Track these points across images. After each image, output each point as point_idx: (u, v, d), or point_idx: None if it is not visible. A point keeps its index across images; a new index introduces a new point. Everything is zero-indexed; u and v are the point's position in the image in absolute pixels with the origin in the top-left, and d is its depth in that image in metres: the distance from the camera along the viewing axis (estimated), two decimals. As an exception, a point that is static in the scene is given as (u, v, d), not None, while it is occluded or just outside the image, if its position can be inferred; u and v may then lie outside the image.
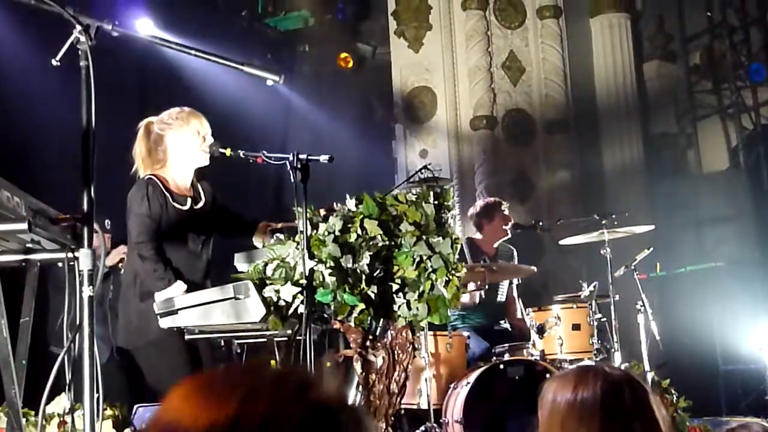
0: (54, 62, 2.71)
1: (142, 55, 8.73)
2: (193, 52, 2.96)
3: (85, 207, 2.64)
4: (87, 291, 2.59)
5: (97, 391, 2.71)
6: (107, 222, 6.68)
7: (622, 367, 6.57)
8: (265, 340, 4.80)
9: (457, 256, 4.67)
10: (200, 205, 4.82)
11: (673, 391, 7.14)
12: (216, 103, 8.88)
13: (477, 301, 6.97)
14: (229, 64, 2.96)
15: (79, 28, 2.69)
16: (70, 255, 2.82)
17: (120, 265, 6.52)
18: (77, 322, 2.64)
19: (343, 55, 11.32)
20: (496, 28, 10.77)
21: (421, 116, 10.80)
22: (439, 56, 10.77)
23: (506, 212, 7.46)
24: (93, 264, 2.59)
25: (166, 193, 4.64)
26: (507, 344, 6.78)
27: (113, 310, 6.24)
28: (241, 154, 4.66)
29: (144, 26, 9.42)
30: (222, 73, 8.80)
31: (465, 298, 6.90)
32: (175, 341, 4.41)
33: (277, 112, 10.81)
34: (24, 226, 2.47)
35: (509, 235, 7.45)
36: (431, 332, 6.55)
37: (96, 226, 2.79)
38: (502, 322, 7.36)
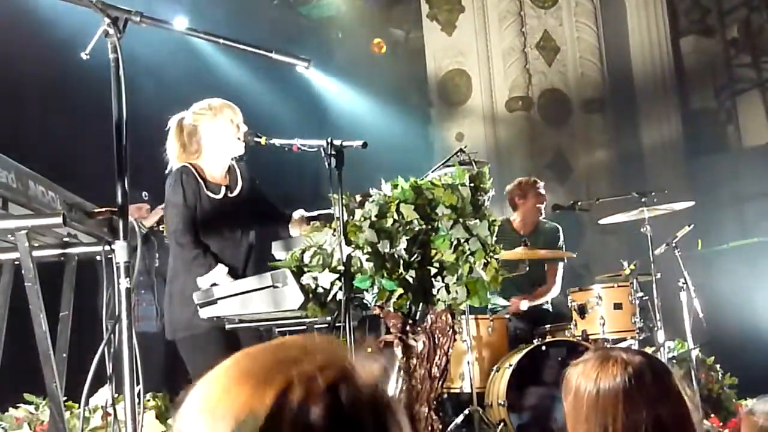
0: (83, 55, 2.71)
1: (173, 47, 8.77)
2: (221, 41, 2.95)
3: (120, 199, 2.64)
4: (124, 283, 2.59)
5: (138, 383, 2.72)
6: (144, 194, 6.74)
7: (666, 345, 6.52)
8: (305, 327, 4.81)
9: (495, 238, 4.64)
10: (236, 192, 4.81)
11: (719, 368, 7.07)
12: (250, 93, 8.92)
13: (525, 309, 6.96)
14: (258, 51, 2.95)
15: (107, 20, 2.69)
16: (107, 248, 2.83)
17: (160, 227, 6.57)
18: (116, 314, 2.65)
19: (376, 40, 11.30)
20: (530, 8, 10.70)
21: (456, 99, 10.76)
22: (472, 38, 10.73)
23: (541, 191, 7.38)
24: (129, 256, 2.60)
25: (200, 180, 4.65)
26: (548, 325, 6.74)
27: (161, 276, 6.30)
28: (276, 143, 4.65)
29: (180, 24, 9.47)
30: (256, 64, 8.82)
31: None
32: (218, 333, 4.43)
33: (312, 100, 10.82)
34: (59, 220, 2.49)
35: (542, 214, 7.38)
36: (472, 316, 6.53)
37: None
38: (542, 303, 7.30)
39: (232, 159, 4.86)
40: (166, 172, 4.79)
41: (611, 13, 11.13)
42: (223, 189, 4.75)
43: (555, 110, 10.59)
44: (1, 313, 2.90)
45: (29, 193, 2.49)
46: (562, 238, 7.37)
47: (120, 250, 2.63)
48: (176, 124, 4.80)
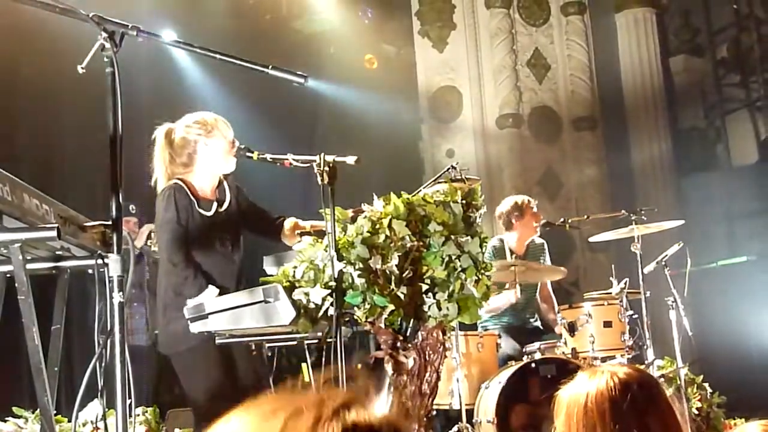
0: (80, 69, 2.71)
1: (157, 61, 8.79)
2: (217, 56, 2.96)
3: (114, 213, 2.64)
4: (117, 297, 2.59)
5: (129, 397, 2.71)
6: (131, 207, 6.72)
7: (655, 363, 6.53)
8: (295, 342, 4.80)
9: (487, 255, 4.65)
10: (225, 206, 4.79)
11: (707, 387, 7.08)
12: (241, 106, 8.92)
13: (513, 301, 6.89)
14: (254, 67, 2.95)
15: (104, 34, 2.69)
16: (99, 261, 2.82)
17: (149, 242, 6.55)
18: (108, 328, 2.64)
19: (368, 56, 11.32)
20: (521, 26, 10.76)
21: (446, 116, 10.80)
22: (463, 55, 10.78)
23: (536, 210, 7.41)
24: (123, 270, 2.60)
25: (192, 198, 4.63)
26: (538, 343, 6.74)
27: (151, 290, 6.28)
28: (268, 158, 4.64)
29: (168, 37, 9.46)
30: (248, 78, 8.81)
31: (501, 302, 6.86)
32: (212, 347, 4.41)
33: (304, 115, 10.82)
34: (53, 233, 2.48)
35: (539, 233, 7.40)
36: (462, 332, 6.53)
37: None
38: (532, 320, 7.31)
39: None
40: (152, 183, 4.75)
41: (602, 31, 11.21)
42: (214, 205, 4.73)
43: (545, 127, 10.64)
44: (-7, 325, 2.89)
45: (24, 206, 2.48)
46: (548, 255, 7.40)
47: (113, 264, 2.63)
48: (164, 135, 4.73)
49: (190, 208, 4.60)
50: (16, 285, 2.55)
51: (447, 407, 6.53)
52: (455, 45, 10.83)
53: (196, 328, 4.26)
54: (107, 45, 2.70)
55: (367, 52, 11.32)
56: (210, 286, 4.48)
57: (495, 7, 10.66)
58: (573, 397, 2.24)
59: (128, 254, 2.74)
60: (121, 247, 2.61)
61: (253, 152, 4.68)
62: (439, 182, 6.49)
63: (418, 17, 11.02)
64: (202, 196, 4.69)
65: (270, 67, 2.97)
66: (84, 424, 4.30)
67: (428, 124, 10.94)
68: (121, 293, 2.61)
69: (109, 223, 2.66)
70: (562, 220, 7.51)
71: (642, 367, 6.44)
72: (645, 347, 6.48)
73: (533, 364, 6.27)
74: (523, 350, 6.74)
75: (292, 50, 11.01)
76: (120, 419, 2.61)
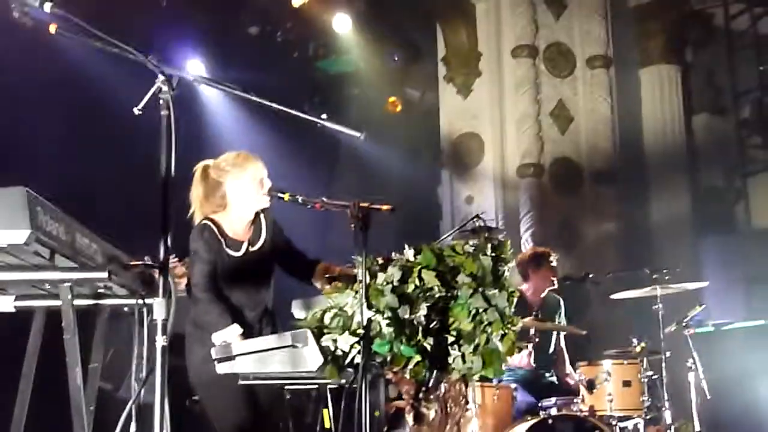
0: (136, 111, 2.72)
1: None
2: (269, 104, 2.96)
3: (162, 255, 2.63)
4: (161, 341, 2.57)
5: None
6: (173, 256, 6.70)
7: (672, 426, 6.47)
8: (317, 387, 4.77)
9: (512, 310, 4.63)
10: (258, 246, 4.79)
11: (722, 452, 7.02)
12: (261, 145, 8.91)
13: (525, 363, 6.89)
14: (308, 117, 2.96)
15: (162, 77, 2.70)
16: (140, 301, 2.81)
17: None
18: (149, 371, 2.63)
19: (392, 99, 11.35)
20: (545, 77, 10.79)
21: (467, 162, 10.80)
22: (487, 103, 10.80)
23: (554, 263, 7.38)
24: (167, 314, 2.58)
25: (220, 238, 4.64)
26: (555, 398, 6.68)
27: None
28: (299, 200, 4.65)
29: (194, 67, 9.51)
30: (266, 116, 8.81)
31: (518, 360, 6.84)
32: (233, 381, 4.42)
33: (324, 155, 10.85)
34: (104, 275, 2.48)
35: (555, 286, 7.38)
36: (478, 383, 6.48)
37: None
38: (548, 374, 7.26)
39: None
40: (188, 216, 4.77)
41: (626, 86, 11.23)
42: (245, 245, 4.73)
43: (566, 179, 10.63)
44: (31, 360, 2.87)
45: (75, 245, 2.48)
46: (563, 311, 7.38)
47: (158, 307, 2.62)
48: (201, 171, 4.78)
49: (219, 249, 4.61)
50: (63, 324, 2.54)
51: (460, 458, 6.46)
52: (479, 92, 10.86)
53: (222, 369, 4.24)
54: (164, 88, 2.71)
55: (392, 95, 11.36)
56: (234, 324, 4.47)
57: (521, 57, 10.69)
58: None
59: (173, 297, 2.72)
60: (167, 290, 2.60)
61: (284, 193, 4.69)
62: (463, 230, 6.51)
63: (444, 63, 11.06)
64: (232, 236, 4.69)
65: (325, 119, 2.97)
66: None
67: (449, 169, 10.94)
68: (164, 337, 2.59)
69: (158, 264, 2.64)
70: (583, 274, 7.48)
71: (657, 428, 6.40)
72: (663, 408, 6.42)
73: (550, 421, 6.21)
74: (539, 404, 6.69)
75: (316, 89, 11.08)
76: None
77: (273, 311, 4.84)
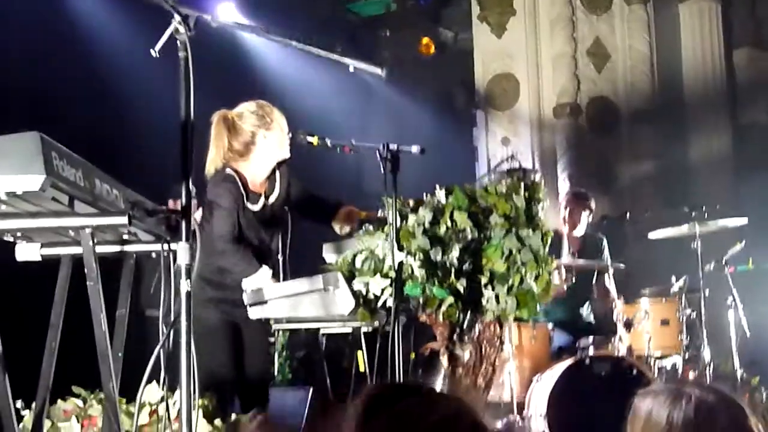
0: (153, 53, 2.68)
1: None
2: (294, 43, 2.90)
3: (184, 200, 2.61)
4: (185, 285, 2.56)
5: (194, 383, 2.69)
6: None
7: (711, 365, 6.41)
8: (350, 330, 4.77)
9: (547, 249, 4.58)
10: (273, 198, 4.76)
11: (763, 390, 6.95)
12: (292, 89, 8.85)
13: (564, 288, 6.78)
14: (333, 57, 2.90)
15: (178, 18, 2.66)
16: (165, 247, 2.80)
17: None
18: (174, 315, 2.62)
19: (425, 40, 11.20)
20: (582, 14, 10.56)
21: (503, 103, 10.65)
22: (522, 42, 10.61)
23: (592, 203, 7.31)
24: (191, 258, 2.56)
25: (243, 192, 4.61)
26: (591, 336, 6.62)
27: None
28: (328, 143, 4.62)
29: (226, 11, 9.43)
30: (299, 59, 8.70)
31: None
32: (224, 326, 4.43)
33: (357, 98, 10.76)
34: (124, 220, 2.46)
35: (594, 226, 7.31)
36: (514, 323, 6.44)
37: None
38: (585, 314, 7.21)
39: None
40: (206, 167, 4.69)
41: (664, 22, 10.97)
42: (262, 199, 4.71)
43: (603, 119, 10.45)
44: (59, 309, 2.87)
45: (95, 191, 2.46)
46: (606, 250, 7.29)
47: (182, 252, 2.60)
48: (221, 120, 4.68)
49: (241, 201, 4.58)
50: (86, 270, 2.53)
51: (497, 398, 6.45)
52: (514, 31, 10.66)
53: (254, 313, 4.25)
54: (181, 29, 2.66)
55: (424, 37, 11.21)
56: (263, 266, 4.47)
57: (556, -6, 10.50)
58: (655, 418, 2.14)
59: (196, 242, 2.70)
60: (190, 234, 2.58)
61: (313, 136, 4.65)
62: (498, 170, 6.46)
63: (478, 2, 10.86)
64: (252, 189, 4.67)
65: (349, 59, 2.91)
66: (142, 407, 4.29)
67: (484, 111, 10.81)
68: (188, 281, 2.58)
69: (178, 209, 2.62)
70: (622, 213, 7.39)
71: (698, 367, 6.35)
72: (702, 347, 6.36)
73: (587, 361, 6.17)
74: (576, 344, 6.64)
75: (347, 32, 10.96)
76: (185, 405, 2.60)
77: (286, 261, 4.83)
